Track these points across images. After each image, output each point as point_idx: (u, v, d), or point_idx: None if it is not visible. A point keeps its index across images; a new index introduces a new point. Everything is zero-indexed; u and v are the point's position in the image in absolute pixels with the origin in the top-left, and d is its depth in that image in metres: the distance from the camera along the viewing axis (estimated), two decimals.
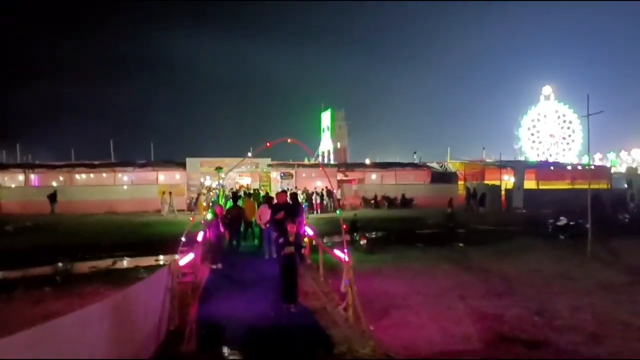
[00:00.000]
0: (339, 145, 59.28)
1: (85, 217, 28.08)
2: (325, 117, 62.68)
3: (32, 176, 34.72)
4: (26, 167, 35.01)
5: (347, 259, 7.53)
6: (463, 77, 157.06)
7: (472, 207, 31.47)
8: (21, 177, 34.21)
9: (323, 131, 62.96)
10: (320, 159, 57.92)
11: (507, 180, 33.64)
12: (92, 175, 35.58)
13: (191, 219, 7.22)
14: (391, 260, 14.08)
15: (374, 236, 19.35)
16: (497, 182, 33.17)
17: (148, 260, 14.79)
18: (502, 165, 34.53)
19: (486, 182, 34.80)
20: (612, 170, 48.16)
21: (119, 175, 34.83)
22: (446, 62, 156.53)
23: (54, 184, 34.49)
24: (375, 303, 9.02)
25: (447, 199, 27.32)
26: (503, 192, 30.97)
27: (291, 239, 8.27)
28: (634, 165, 61.59)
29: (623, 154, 67.32)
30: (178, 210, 29.17)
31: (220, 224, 12.65)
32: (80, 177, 35.75)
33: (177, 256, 7.83)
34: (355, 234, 16.39)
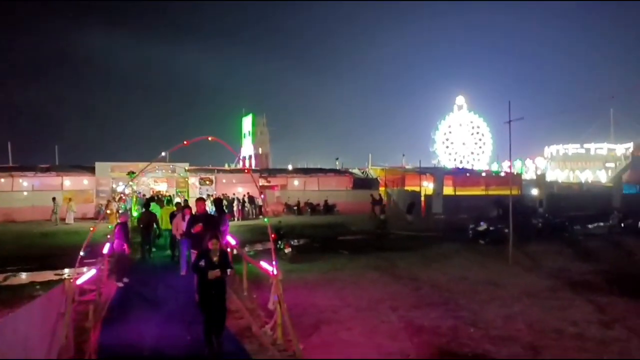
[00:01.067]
0: (260, 150, 58.24)
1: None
2: (247, 122, 61.37)
3: None
4: None
5: (275, 271, 6.75)
6: (383, 85, 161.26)
7: (375, 214, 32.10)
8: None
9: (244, 136, 61.58)
10: (241, 164, 56.57)
11: (426, 187, 34.29)
12: None
13: (91, 228, 6.03)
14: (317, 270, 13.45)
15: (297, 244, 18.65)
16: (416, 188, 33.71)
17: (47, 275, 13.17)
18: (422, 172, 35.18)
19: (406, 188, 35.30)
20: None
21: (18, 180, 31.71)
22: (366, 70, 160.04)
23: None
24: (304, 318, 8.32)
25: (372, 205, 27.23)
26: (422, 199, 31.46)
27: (215, 258, 6.34)
28: (538, 172, 65.67)
29: (528, 161, 71.52)
30: (86, 219, 26.97)
31: (123, 236, 11.38)
32: None
33: (76, 271, 6.68)
34: (279, 242, 15.59)
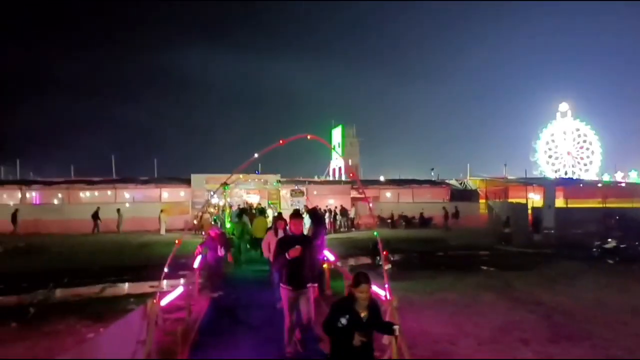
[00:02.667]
0: (350, 162, 57.33)
1: (83, 237, 26.32)
2: (336, 134, 60.83)
3: (29, 194, 33.05)
4: (23, 183, 33.37)
5: (388, 296, 5.54)
6: (480, 92, 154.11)
7: (448, 227, 30.22)
8: (18, 194, 32.53)
9: (334, 148, 61.08)
10: (330, 176, 55.97)
11: (532, 199, 31.48)
12: (88, 193, 33.93)
13: (177, 241, 5.15)
14: (422, 289, 12.04)
15: (395, 259, 17.29)
16: (522, 200, 30.99)
17: (142, 287, 12.88)
18: (528, 182, 32.33)
19: (510, 200, 32.63)
20: None
21: (121, 192, 33.09)
22: (462, 76, 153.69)
23: (55, 201, 32.89)
24: (417, 350, 7.00)
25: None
26: (530, 211, 28.77)
27: (363, 314, 4.28)
28: None
29: None
30: (180, 230, 27.35)
31: (219, 246, 10.76)
32: (84, 194, 34.04)
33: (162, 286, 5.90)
34: (377, 257, 14.36)
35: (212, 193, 30.14)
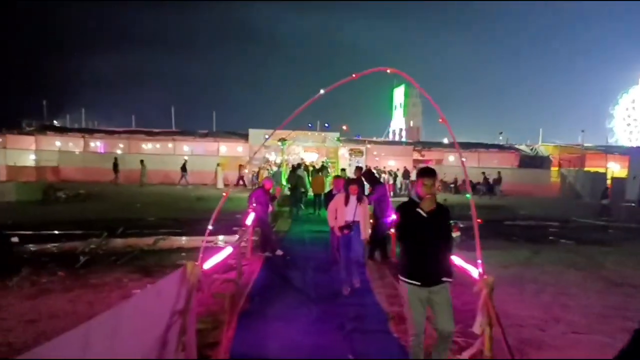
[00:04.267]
0: (411, 123, 55.26)
1: (142, 187, 26.54)
2: (398, 94, 58.55)
3: (92, 142, 33.71)
4: (85, 132, 34.02)
5: (480, 271, 4.44)
6: (555, 56, 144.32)
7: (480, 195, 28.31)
8: (81, 143, 33.23)
9: (395, 108, 58.99)
10: (391, 135, 54.25)
11: (613, 169, 28.96)
12: (150, 144, 34.20)
13: (224, 193, 4.24)
14: (495, 262, 10.79)
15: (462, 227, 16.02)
16: (601, 170, 28.55)
17: (195, 241, 12.39)
18: (608, 151, 29.68)
19: (587, 169, 30.17)
20: None
21: (180, 144, 33.12)
22: (537, 38, 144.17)
23: (118, 152, 33.37)
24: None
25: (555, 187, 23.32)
26: (609, 182, 26.44)
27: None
28: None
29: None
30: (239, 185, 27.01)
31: (268, 201, 10.02)
32: (146, 146, 34.39)
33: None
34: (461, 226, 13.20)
35: (272, 152, 29.55)
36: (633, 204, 24.92)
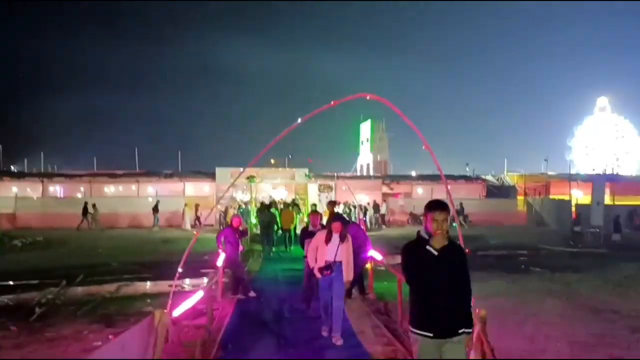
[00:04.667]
0: (379, 157, 55.73)
1: (106, 232, 25.55)
2: (365, 129, 59.21)
3: (52, 187, 32.55)
4: (45, 176, 32.86)
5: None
6: (514, 87, 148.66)
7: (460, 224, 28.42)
8: (39, 188, 32.01)
9: (362, 143, 59.55)
10: (358, 171, 54.49)
11: (576, 196, 29.61)
12: (113, 187, 33.29)
13: (195, 233, 3.88)
14: (475, 294, 10.58)
15: None
16: (564, 197, 29.15)
17: (161, 286, 11.74)
18: (572, 179, 30.42)
19: (552, 196, 30.77)
20: None
21: (144, 186, 32.31)
22: (495, 71, 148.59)
23: (79, 195, 32.22)
24: None
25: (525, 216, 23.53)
26: (573, 209, 26.96)
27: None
28: None
29: None
30: (205, 225, 26.32)
31: (238, 240, 9.62)
32: (109, 188, 33.41)
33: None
34: None
35: (239, 191, 29.05)
36: (597, 230, 25.40)
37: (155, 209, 27.68)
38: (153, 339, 3.68)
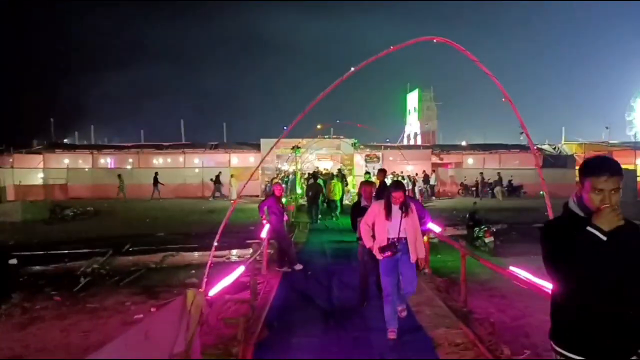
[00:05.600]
0: (427, 127, 54.15)
1: (153, 202, 25.75)
2: (412, 98, 57.56)
3: (102, 159, 33.18)
4: (94, 148, 33.49)
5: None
6: (574, 51, 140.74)
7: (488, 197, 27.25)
8: (90, 159, 32.71)
9: (409, 113, 57.95)
10: (405, 142, 53.15)
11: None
12: (161, 158, 33.61)
13: (232, 201, 3.28)
14: (535, 268, 9.74)
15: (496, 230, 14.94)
16: (629, 167, 27.30)
17: (206, 256, 11.45)
18: (637, 147, 28.41)
19: None
20: None
21: (190, 157, 32.46)
22: (554, 34, 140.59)
23: (128, 167, 32.72)
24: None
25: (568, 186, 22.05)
26: (639, 179, 25.23)
27: None
28: None
29: None
30: (251, 196, 26.13)
31: (282, 210, 9.17)
32: (157, 160, 33.79)
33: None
34: (476, 229, 12.18)
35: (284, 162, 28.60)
36: None
37: (217, 180, 27.69)
38: (185, 323, 3.13)
